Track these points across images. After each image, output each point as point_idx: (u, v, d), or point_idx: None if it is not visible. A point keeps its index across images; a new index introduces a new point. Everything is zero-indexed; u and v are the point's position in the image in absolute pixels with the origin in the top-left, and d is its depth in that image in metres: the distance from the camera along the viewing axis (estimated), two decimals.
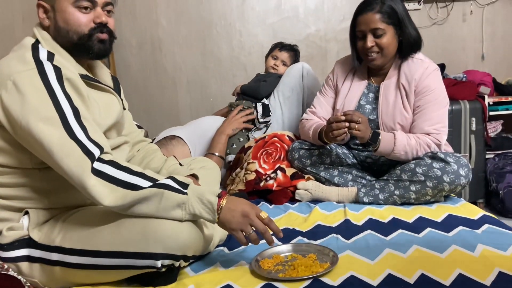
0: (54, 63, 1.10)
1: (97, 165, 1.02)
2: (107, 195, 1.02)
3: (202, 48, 3.15)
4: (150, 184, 1.04)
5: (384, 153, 1.69)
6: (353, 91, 1.84)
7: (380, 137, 1.66)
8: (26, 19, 2.59)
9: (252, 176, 1.86)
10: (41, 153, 1.06)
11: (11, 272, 1.11)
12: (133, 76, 3.19)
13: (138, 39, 3.13)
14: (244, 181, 1.88)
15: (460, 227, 1.39)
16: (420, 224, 1.45)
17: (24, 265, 1.13)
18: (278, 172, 1.86)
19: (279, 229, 1.16)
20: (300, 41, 3.10)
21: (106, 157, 1.05)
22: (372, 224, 1.48)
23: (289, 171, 1.88)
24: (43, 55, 1.11)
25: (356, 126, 1.60)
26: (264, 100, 2.31)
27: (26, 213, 1.16)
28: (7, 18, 2.49)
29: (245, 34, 3.13)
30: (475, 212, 1.53)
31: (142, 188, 1.03)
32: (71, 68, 1.15)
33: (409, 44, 1.72)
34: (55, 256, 1.10)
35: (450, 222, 1.45)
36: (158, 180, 1.06)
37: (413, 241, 1.30)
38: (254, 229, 1.12)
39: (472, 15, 3.11)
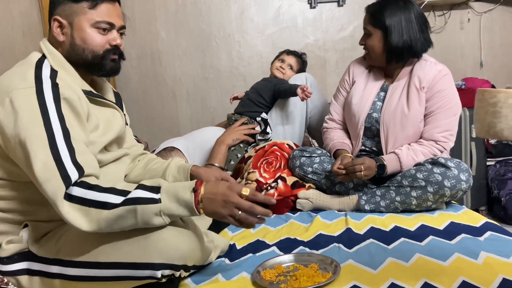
0: (57, 80, 1.11)
1: (70, 189, 1.00)
2: (82, 220, 1.00)
3: (201, 59, 3.17)
4: (122, 199, 1.01)
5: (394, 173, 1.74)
6: (369, 89, 1.88)
7: (386, 170, 1.71)
8: (26, 34, 2.61)
9: (252, 186, 1.86)
10: (26, 171, 1.06)
11: (10, 286, 1.11)
12: (133, 89, 3.20)
13: (137, 51, 3.15)
14: None
15: (463, 235, 1.38)
16: (422, 232, 1.44)
17: (24, 279, 1.12)
18: (279, 181, 1.85)
19: (269, 198, 1.11)
20: (299, 51, 3.12)
21: (83, 180, 1.03)
22: (374, 233, 1.47)
23: (290, 180, 1.87)
24: (45, 73, 1.12)
25: (362, 174, 1.65)
26: (264, 115, 2.22)
27: (26, 226, 1.15)
28: (8, 33, 2.52)
29: (244, 45, 3.14)
30: (478, 219, 1.52)
31: (114, 205, 1.00)
32: (74, 85, 1.16)
33: (394, 52, 1.75)
34: (54, 269, 1.10)
35: (452, 230, 1.44)
36: (129, 192, 1.03)
37: (415, 250, 1.29)
38: (239, 212, 1.05)
39: (470, 23, 3.13)
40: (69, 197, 1.00)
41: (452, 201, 1.73)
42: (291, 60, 2.33)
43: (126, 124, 1.39)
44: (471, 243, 1.31)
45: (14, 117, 1.04)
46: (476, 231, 1.41)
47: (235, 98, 2.43)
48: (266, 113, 2.24)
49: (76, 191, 1.01)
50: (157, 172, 1.42)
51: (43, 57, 1.18)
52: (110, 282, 1.08)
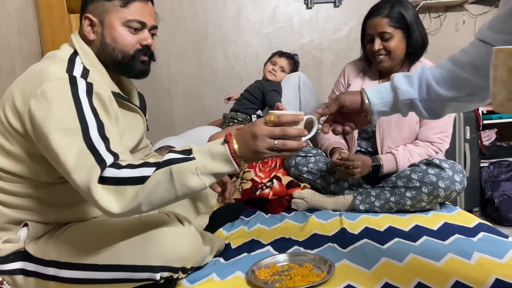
0: (88, 80, 1.08)
1: (104, 172, 0.94)
2: (116, 202, 0.93)
3: (197, 58, 3.16)
4: (155, 168, 0.94)
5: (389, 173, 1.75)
6: None
7: (382, 169, 1.73)
8: (21, 31, 2.59)
9: (248, 185, 1.86)
10: (56, 164, 1.01)
11: (6, 285, 1.10)
12: None
13: None
14: (240, 190, 1.87)
15: (456, 235, 1.39)
16: (416, 233, 1.45)
17: (19, 278, 1.11)
18: (274, 181, 1.85)
19: (296, 115, 0.99)
20: (295, 51, 3.11)
21: (116, 162, 0.97)
22: (368, 233, 1.48)
23: (285, 180, 1.88)
24: (77, 71, 1.10)
25: (357, 171, 1.67)
26: (259, 112, 2.29)
27: (25, 225, 1.14)
28: (2, 30, 2.50)
29: (240, 44, 3.14)
30: (471, 220, 1.53)
31: (148, 176, 0.93)
32: (104, 85, 1.13)
33: (416, 48, 1.75)
34: (50, 271, 1.08)
35: (446, 230, 1.45)
36: (161, 160, 0.96)
37: (409, 250, 1.30)
38: (275, 142, 0.97)
39: (465, 25, 3.14)
40: (102, 180, 0.93)
41: (446, 202, 1.74)
42: (282, 62, 2.38)
43: (147, 129, 1.37)
44: (465, 243, 1.32)
45: (47, 107, 1.00)
46: (470, 232, 1.42)
47: (230, 98, 2.47)
48: (262, 111, 2.31)
49: (110, 172, 0.94)
50: None
51: (75, 53, 1.15)
52: (107, 285, 1.07)
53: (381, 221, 1.59)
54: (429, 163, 1.65)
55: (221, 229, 1.64)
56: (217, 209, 1.72)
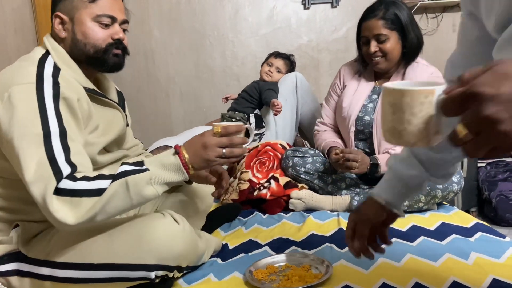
0: (59, 79, 1.08)
1: (60, 184, 0.96)
2: (71, 214, 0.96)
3: (195, 58, 3.16)
4: (111, 180, 0.98)
5: None
6: (360, 92, 1.88)
7: (379, 168, 1.73)
8: (18, 31, 2.59)
9: (245, 186, 1.86)
10: (17, 171, 1.02)
11: (1, 287, 1.10)
12: (126, 87, 3.18)
13: (131, 49, 3.08)
14: (238, 191, 1.87)
15: (454, 235, 1.39)
16: (414, 233, 1.45)
17: (14, 279, 1.11)
18: (272, 181, 1.85)
19: (239, 125, 1.09)
20: (292, 52, 3.11)
21: (72, 174, 0.99)
22: None
23: (283, 180, 1.88)
24: (48, 71, 1.09)
25: (355, 164, 1.68)
26: (257, 111, 2.31)
27: (16, 226, 1.14)
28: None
29: (238, 45, 3.14)
30: (468, 220, 1.53)
31: (105, 188, 0.97)
32: (76, 84, 1.13)
33: (411, 49, 1.76)
34: (45, 271, 1.08)
35: (443, 231, 1.45)
36: (116, 173, 1.01)
37: (407, 250, 1.30)
38: (224, 150, 1.06)
39: None
40: (58, 191, 0.96)
41: (443, 202, 1.74)
42: (279, 63, 2.40)
43: (128, 125, 1.37)
44: (462, 243, 1.33)
45: (11, 112, 1.01)
46: (467, 232, 1.42)
47: (227, 98, 2.49)
48: (259, 110, 2.32)
49: (65, 184, 0.96)
50: None
51: (47, 53, 1.15)
52: (102, 284, 1.07)
53: None
54: None
55: (218, 230, 1.64)
56: (214, 209, 1.72)
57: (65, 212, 0.95)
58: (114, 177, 0.99)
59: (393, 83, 0.56)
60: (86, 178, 0.98)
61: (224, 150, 1.05)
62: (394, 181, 0.96)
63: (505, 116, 0.44)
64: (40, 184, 0.96)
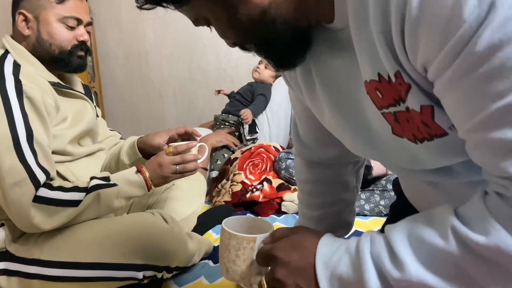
0: (20, 76, 1.07)
1: (40, 191, 1.01)
2: (47, 221, 1.02)
3: (189, 60, 3.15)
4: (85, 193, 1.06)
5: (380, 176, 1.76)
6: None
7: (372, 171, 1.73)
8: (9, 28, 2.57)
9: (238, 188, 1.85)
10: None
11: None
12: (119, 88, 3.17)
13: (124, 51, 3.12)
14: (230, 193, 1.86)
15: None
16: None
17: (1, 279, 1.09)
18: (264, 183, 1.85)
19: (189, 143, 1.20)
20: None
21: (48, 182, 1.04)
22: (358, 236, 1.47)
23: (276, 183, 1.87)
24: (8, 69, 1.07)
25: None
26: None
27: (2, 225, 1.12)
28: None
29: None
30: None
31: (81, 201, 1.05)
32: (39, 78, 1.11)
33: None
34: (32, 269, 1.07)
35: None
36: (88, 186, 1.08)
37: None
38: (177, 167, 1.17)
39: None
40: (36, 199, 1.00)
41: None
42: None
43: (97, 116, 1.37)
44: None
45: None
46: None
47: (219, 91, 2.50)
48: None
49: (43, 192, 1.01)
50: (116, 154, 1.42)
51: (6, 52, 1.13)
52: (90, 283, 1.06)
53: (371, 225, 1.58)
54: None
55: (210, 232, 1.63)
56: (206, 211, 1.71)
57: (41, 218, 1.01)
58: (87, 191, 1.07)
59: (232, 220, 0.65)
60: (62, 189, 1.05)
61: (177, 167, 1.17)
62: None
63: (290, 282, 0.54)
64: (17, 190, 0.98)
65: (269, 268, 0.59)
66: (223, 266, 0.63)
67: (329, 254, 0.56)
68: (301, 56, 0.62)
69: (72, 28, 1.18)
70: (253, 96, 2.32)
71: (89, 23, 1.23)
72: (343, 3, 0.52)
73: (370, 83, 0.53)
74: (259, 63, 2.42)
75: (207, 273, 1.24)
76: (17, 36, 1.17)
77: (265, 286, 0.58)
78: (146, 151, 1.39)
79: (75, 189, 1.06)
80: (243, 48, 0.63)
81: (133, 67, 3.15)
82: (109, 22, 3.04)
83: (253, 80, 2.46)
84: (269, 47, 0.60)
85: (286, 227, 0.62)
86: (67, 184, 1.06)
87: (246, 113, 2.17)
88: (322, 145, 0.87)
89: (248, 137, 2.23)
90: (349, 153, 0.72)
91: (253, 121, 2.26)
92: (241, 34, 0.59)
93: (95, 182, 1.08)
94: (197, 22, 0.64)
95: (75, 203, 1.04)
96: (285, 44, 0.59)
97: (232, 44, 0.63)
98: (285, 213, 1.80)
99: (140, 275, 1.04)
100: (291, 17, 0.56)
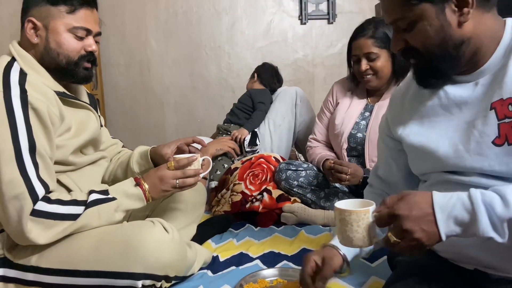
0: (26, 86, 1.06)
1: (36, 205, 1.01)
2: (43, 234, 1.02)
3: (190, 69, 3.17)
4: (84, 207, 1.07)
5: None
6: (352, 109, 1.88)
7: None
8: (14, 36, 2.58)
9: (238, 198, 1.85)
10: None
11: None
12: (120, 96, 3.18)
13: (126, 59, 3.13)
14: (230, 202, 1.86)
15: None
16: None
17: None
18: (264, 194, 1.85)
19: (190, 157, 1.20)
20: (288, 66, 3.15)
21: (46, 195, 1.04)
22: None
23: (275, 193, 1.87)
24: (14, 78, 1.07)
25: (344, 177, 1.69)
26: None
27: (1, 231, 1.12)
28: None
29: (233, 57, 3.16)
30: None
31: (78, 215, 1.06)
32: (45, 88, 1.11)
33: (402, 66, 1.76)
34: (30, 276, 1.07)
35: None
36: (87, 200, 1.08)
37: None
38: (177, 181, 1.19)
39: None
40: (34, 213, 1.00)
41: None
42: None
43: (102, 126, 1.37)
44: None
45: None
46: None
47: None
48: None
49: (41, 206, 1.01)
50: (124, 162, 1.41)
51: (13, 60, 1.12)
52: None
53: None
54: None
55: (209, 241, 1.62)
56: (205, 220, 1.70)
57: (38, 232, 1.01)
58: (86, 205, 1.07)
59: (341, 204, 0.81)
60: (60, 202, 1.04)
61: (177, 181, 1.18)
62: None
63: (417, 228, 0.71)
64: (16, 203, 0.99)
65: (390, 226, 0.75)
66: (347, 238, 0.79)
67: (444, 201, 0.72)
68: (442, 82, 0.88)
69: (81, 38, 1.16)
70: (253, 102, 2.32)
71: (98, 33, 1.22)
72: None
73: None
74: (251, 77, 2.48)
75: (206, 283, 1.24)
76: (25, 43, 1.16)
77: (393, 239, 0.73)
78: (155, 161, 1.38)
79: (73, 202, 1.06)
80: (409, 55, 0.90)
81: (135, 75, 3.16)
82: (112, 30, 3.06)
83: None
84: (437, 66, 0.85)
85: (393, 195, 0.77)
86: (65, 197, 1.06)
87: (237, 135, 2.21)
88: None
89: (247, 149, 2.22)
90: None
91: (254, 133, 2.24)
92: (432, 47, 0.83)
93: (94, 197, 1.09)
94: (402, 22, 0.87)
95: (72, 217, 1.05)
96: (451, 69, 0.85)
97: (400, 49, 0.92)
98: (284, 224, 1.79)
99: (138, 284, 1.03)
100: (470, 55, 0.82)
